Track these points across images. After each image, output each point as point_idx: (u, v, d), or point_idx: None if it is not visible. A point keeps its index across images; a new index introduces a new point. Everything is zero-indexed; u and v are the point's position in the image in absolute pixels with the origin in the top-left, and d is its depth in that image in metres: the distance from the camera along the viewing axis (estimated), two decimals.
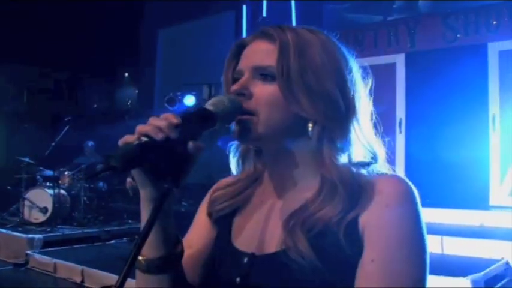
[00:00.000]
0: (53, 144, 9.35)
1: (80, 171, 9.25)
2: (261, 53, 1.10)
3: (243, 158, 1.22)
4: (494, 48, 6.99)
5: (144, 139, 0.91)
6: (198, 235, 1.22)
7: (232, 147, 1.22)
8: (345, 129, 1.07)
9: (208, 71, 10.39)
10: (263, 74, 1.08)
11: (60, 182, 8.96)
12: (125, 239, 8.35)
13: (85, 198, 9.12)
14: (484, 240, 5.45)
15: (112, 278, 5.72)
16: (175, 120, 0.93)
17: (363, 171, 1.07)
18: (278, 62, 1.05)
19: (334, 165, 1.04)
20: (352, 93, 1.09)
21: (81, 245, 7.81)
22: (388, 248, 0.97)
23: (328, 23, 9.44)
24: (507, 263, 5.38)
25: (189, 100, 9.62)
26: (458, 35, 7.31)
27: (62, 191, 8.85)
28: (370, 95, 1.16)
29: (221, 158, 1.28)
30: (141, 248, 0.89)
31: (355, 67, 1.12)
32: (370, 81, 1.15)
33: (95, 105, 11.26)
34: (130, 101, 11.62)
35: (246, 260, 1.09)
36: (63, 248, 7.46)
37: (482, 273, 4.74)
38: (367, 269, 0.97)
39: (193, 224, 1.27)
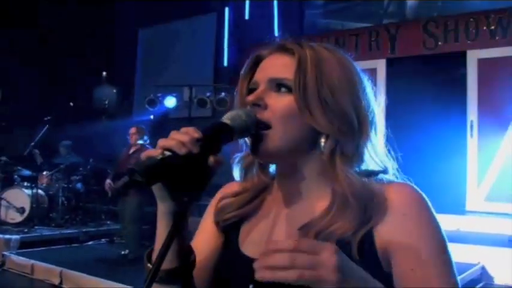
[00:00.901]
0: (32, 144, 9.23)
1: (58, 172, 9.18)
2: (278, 65, 1.12)
3: (246, 170, 1.23)
4: (473, 56, 7.13)
5: (167, 153, 0.93)
6: (205, 242, 1.23)
7: (236, 160, 1.23)
8: (357, 144, 1.10)
9: (189, 72, 10.40)
10: (279, 86, 1.10)
11: (38, 182, 8.86)
12: (103, 240, 8.32)
13: (63, 198, 9.03)
14: (461, 245, 5.54)
15: (91, 280, 5.69)
16: (196, 134, 0.95)
17: (373, 179, 1.09)
18: (296, 75, 1.08)
19: (346, 178, 1.06)
20: (365, 110, 1.11)
21: (59, 246, 7.74)
22: (422, 255, 1.00)
23: (310, 26, 9.52)
24: (483, 267, 5.48)
25: (170, 101, 9.57)
26: (439, 43, 7.43)
27: (40, 191, 8.76)
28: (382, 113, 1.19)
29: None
30: (163, 261, 0.91)
31: (368, 86, 1.15)
32: (382, 100, 1.20)
33: (72, 104, 11.12)
34: (107, 101, 11.49)
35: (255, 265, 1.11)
36: (41, 249, 7.38)
37: (459, 277, 4.80)
38: (409, 277, 1.00)
39: (200, 230, 1.28)
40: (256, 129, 1.07)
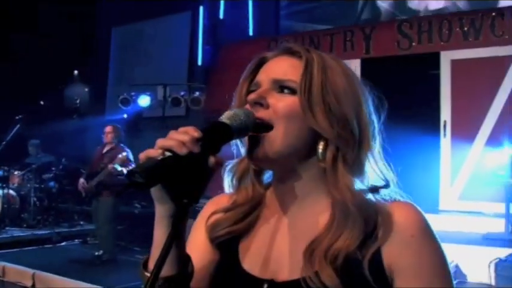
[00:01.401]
0: (4, 143, 9.07)
1: (30, 171, 9.04)
2: (283, 67, 1.11)
3: (240, 178, 1.19)
4: (446, 57, 7.23)
5: (168, 154, 0.90)
6: (199, 259, 1.16)
7: (228, 168, 1.19)
8: (358, 153, 1.08)
9: (163, 71, 10.34)
10: (282, 88, 1.09)
11: (9, 182, 8.72)
12: (76, 240, 8.23)
13: (35, 199, 8.91)
14: None
15: (64, 282, 5.61)
16: (196, 134, 0.92)
17: (376, 196, 1.08)
18: (302, 77, 1.07)
19: (347, 187, 1.05)
20: (367, 121, 1.11)
21: (31, 248, 7.63)
22: (424, 277, 1.02)
23: (285, 26, 9.53)
24: (457, 266, 5.53)
25: (144, 101, 9.52)
26: (413, 44, 7.52)
27: (11, 192, 8.64)
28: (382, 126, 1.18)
29: None
30: (163, 264, 0.89)
31: (369, 97, 1.15)
32: (383, 112, 1.18)
33: (42, 103, 10.95)
34: (79, 100, 11.38)
35: (265, 286, 1.08)
36: (13, 250, 7.26)
37: None
38: None
39: (190, 242, 1.22)
40: (256, 131, 1.05)
